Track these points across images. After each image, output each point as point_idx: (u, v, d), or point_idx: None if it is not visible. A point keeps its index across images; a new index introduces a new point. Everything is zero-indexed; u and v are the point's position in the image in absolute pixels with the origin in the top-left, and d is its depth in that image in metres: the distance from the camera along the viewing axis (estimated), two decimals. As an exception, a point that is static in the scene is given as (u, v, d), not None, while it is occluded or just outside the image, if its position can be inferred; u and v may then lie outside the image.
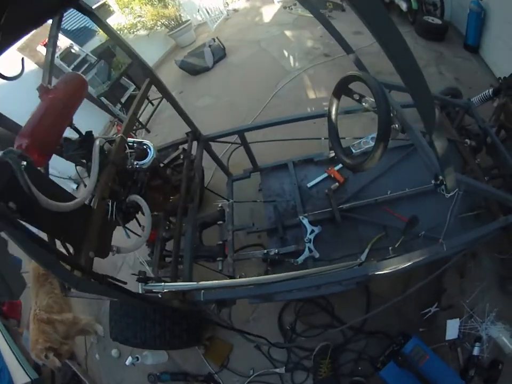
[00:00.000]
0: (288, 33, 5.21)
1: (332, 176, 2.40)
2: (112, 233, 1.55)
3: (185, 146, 2.29)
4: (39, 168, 1.34)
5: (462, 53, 3.73)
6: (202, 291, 1.51)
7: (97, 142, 1.53)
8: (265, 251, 2.08)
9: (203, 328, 2.53)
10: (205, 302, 1.56)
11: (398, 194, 2.20)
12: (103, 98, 4.70)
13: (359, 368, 2.27)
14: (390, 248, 1.69)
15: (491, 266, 2.32)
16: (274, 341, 2.35)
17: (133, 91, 5.10)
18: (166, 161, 2.28)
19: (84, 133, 1.60)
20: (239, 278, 1.95)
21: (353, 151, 1.57)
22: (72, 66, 4.74)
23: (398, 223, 2.11)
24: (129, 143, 1.77)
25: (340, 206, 2.19)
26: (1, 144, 1.31)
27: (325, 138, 2.28)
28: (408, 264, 1.49)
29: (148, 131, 4.62)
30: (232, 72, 5.01)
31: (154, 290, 1.48)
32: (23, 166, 1.04)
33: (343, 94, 1.55)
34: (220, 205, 2.30)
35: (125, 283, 1.60)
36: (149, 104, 4.88)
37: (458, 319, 2.11)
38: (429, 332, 2.16)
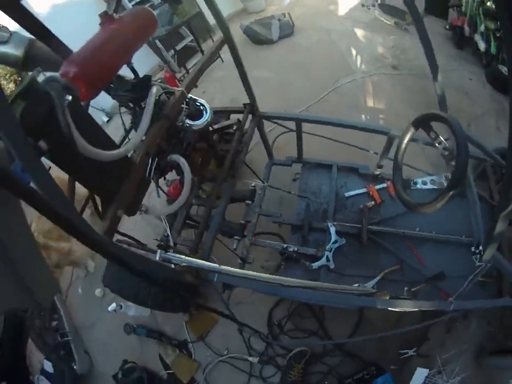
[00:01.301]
0: (360, 32, 4.97)
1: (370, 193, 2.35)
2: (146, 191, 1.46)
3: (240, 117, 2.21)
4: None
5: (529, 115, 3.59)
6: (217, 274, 1.51)
7: (154, 90, 1.39)
8: (285, 245, 2.06)
9: (197, 297, 2.53)
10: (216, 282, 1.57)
11: (425, 234, 2.16)
12: (157, 41, 4.60)
13: (325, 382, 2.30)
14: (406, 289, 1.67)
15: (477, 333, 2.33)
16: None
17: (189, 42, 4.99)
18: (216, 127, 2.19)
19: (139, 75, 1.47)
20: (248, 260, 1.95)
21: (411, 186, 1.54)
22: (134, 2, 4.54)
23: (414, 261, 2.10)
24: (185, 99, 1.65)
25: (370, 226, 2.16)
26: (45, 67, 1.10)
27: (374, 153, 2.28)
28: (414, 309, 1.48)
29: (195, 86, 4.51)
30: (295, 52, 4.79)
31: (172, 261, 1.44)
32: (66, 101, 0.90)
33: (422, 127, 1.52)
34: (253, 184, 2.22)
35: (144, 245, 1.57)
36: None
37: (428, 370, 2.12)
38: (399, 372, 2.19)
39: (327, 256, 2.03)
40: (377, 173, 2.32)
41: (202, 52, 4.79)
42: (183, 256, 1.44)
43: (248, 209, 2.16)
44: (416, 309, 1.54)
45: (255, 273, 1.44)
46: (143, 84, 1.44)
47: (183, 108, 1.60)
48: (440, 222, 2.23)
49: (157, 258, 1.43)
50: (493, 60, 3.87)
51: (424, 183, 1.53)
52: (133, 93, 1.43)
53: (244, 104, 2.24)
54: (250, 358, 2.40)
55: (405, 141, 1.57)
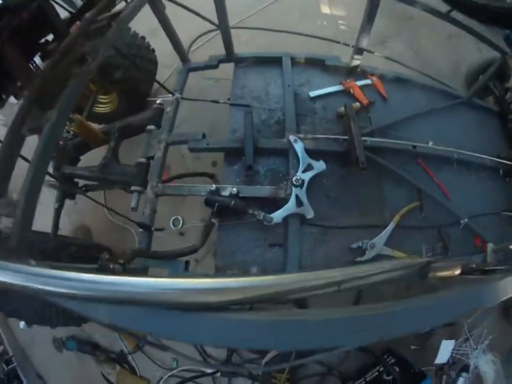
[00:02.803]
0: None
1: (351, 92, 1.42)
2: None
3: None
4: None
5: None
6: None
7: None
8: (214, 187, 1.10)
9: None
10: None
11: (446, 152, 1.31)
12: None
13: (326, 389, 1.63)
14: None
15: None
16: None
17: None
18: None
19: None
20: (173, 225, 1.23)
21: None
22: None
23: (437, 192, 1.27)
24: None
25: (365, 138, 1.22)
26: None
27: (344, 44, 1.54)
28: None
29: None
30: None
31: None
32: None
33: None
34: (158, 101, 1.32)
35: None
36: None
37: (454, 340, 1.73)
38: (421, 351, 1.72)
39: (296, 196, 1.05)
40: (355, 63, 1.41)
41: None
42: None
43: (149, 138, 1.23)
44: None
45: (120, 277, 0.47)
46: None
47: None
48: (456, 139, 1.43)
49: None
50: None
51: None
52: None
53: None
54: (209, 370, 1.63)
55: None
